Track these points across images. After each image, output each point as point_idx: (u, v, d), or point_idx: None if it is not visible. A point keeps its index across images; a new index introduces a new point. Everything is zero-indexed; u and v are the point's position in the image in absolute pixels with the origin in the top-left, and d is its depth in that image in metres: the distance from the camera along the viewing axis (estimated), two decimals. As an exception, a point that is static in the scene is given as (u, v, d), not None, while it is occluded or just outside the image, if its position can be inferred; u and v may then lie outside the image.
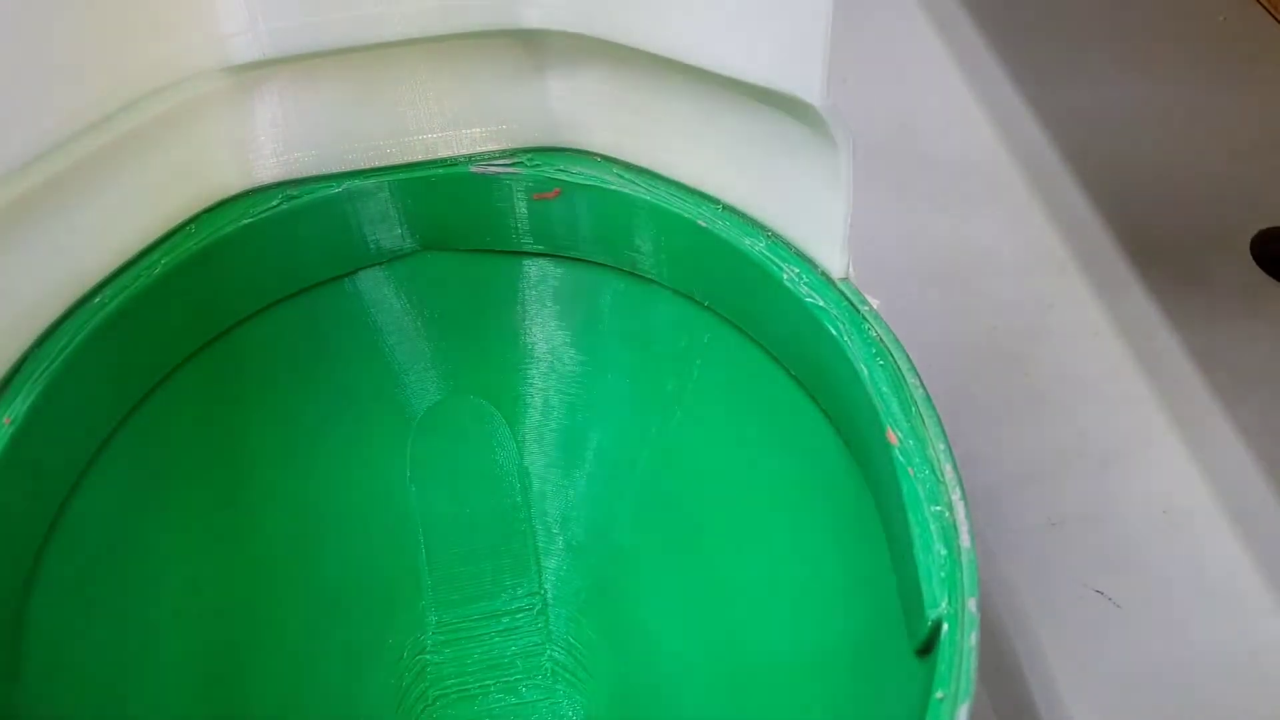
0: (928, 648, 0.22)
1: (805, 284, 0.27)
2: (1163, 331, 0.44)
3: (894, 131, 0.53)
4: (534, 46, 0.29)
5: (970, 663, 0.20)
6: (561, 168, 0.30)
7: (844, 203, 0.26)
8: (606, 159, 0.30)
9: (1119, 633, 0.36)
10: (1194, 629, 0.36)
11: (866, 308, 0.26)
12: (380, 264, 0.32)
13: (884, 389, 0.25)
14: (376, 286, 0.32)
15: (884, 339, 0.26)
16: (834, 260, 0.27)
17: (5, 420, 0.25)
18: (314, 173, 0.29)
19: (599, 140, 0.30)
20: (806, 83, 0.23)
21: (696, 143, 0.28)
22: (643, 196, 0.29)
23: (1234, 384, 0.42)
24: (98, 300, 0.27)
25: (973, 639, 0.21)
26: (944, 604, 0.21)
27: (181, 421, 0.30)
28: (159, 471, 0.30)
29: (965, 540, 0.22)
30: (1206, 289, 0.46)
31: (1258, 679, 0.35)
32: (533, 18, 0.27)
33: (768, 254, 0.27)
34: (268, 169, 0.29)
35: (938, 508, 0.23)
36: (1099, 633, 0.36)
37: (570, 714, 0.33)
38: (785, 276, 0.27)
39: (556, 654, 0.34)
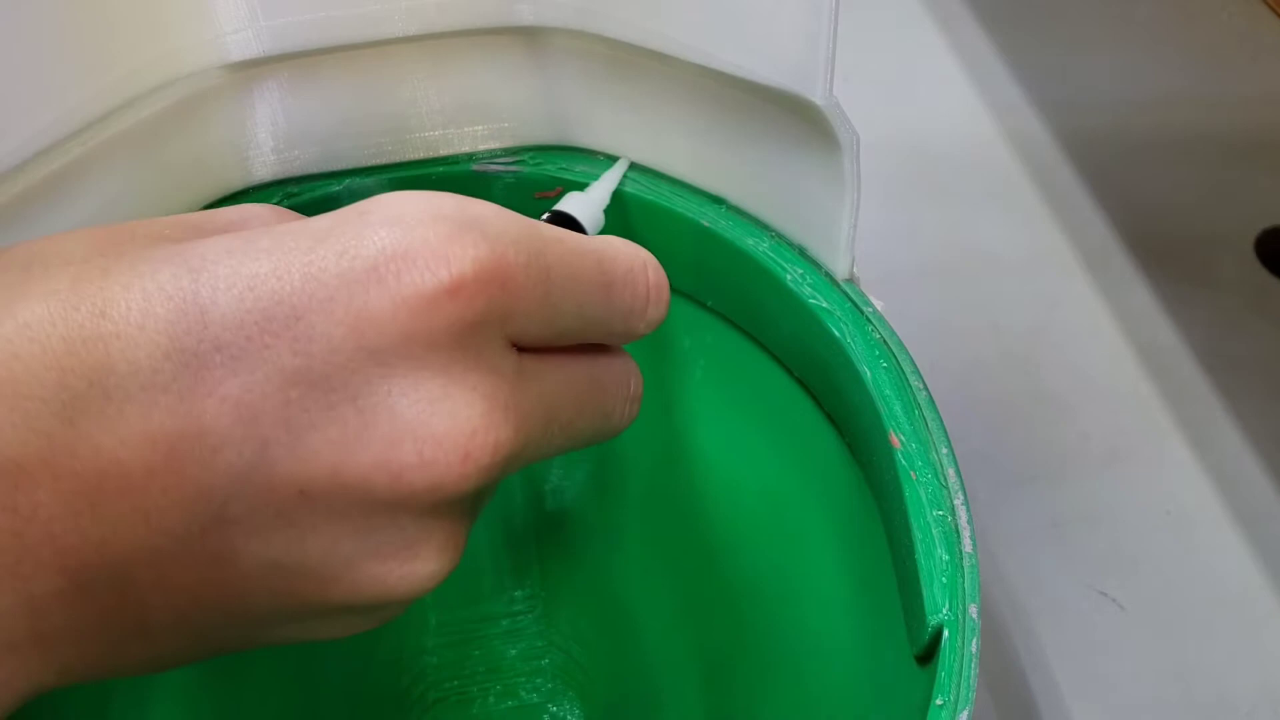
0: (929, 654, 0.21)
1: (809, 285, 0.27)
2: (1166, 331, 0.44)
3: (897, 130, 0.52)
4: (536, 44, 0.28)
5: (970, 670, 0.20)
6: (564, 166, 0.30)
7: (848, 203, 0.25)
8: (609, 157, 0.30)
9: (1122, 634, 0.36)
10: (1198, 630, 0.36)
11: (870, 309, 0.26)
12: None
13: (887, 391, 0.25)
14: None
15: (887, 341, 0.25)
16: (838, 261, 0.27)
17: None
18: (314, 170, 0.29)
19: (601, 139, 0.30)
20: (809, 81, 0.23)
21: (699, 141, 0.28)
22: (645, 195, 0.29)
23: (1238, 384, 0.42)
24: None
25: (973, 646, 0.21)
26: (945, 610, 0.21)
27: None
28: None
29: (967, 545, 0.22)
30: (1211, 288, 0.46)
31: (1262, 680, 0.35)
32: (526, 14, 0.27)
33: (771, 255, 0.27)
34: (267, 167, 0.29)
35: (940, 512, 0.22)
36: (1102, 634, 0.36)
37: (569, 718, 0.33)
38: (789, 277, 0.27)
39: (557, 656, 0.34)
